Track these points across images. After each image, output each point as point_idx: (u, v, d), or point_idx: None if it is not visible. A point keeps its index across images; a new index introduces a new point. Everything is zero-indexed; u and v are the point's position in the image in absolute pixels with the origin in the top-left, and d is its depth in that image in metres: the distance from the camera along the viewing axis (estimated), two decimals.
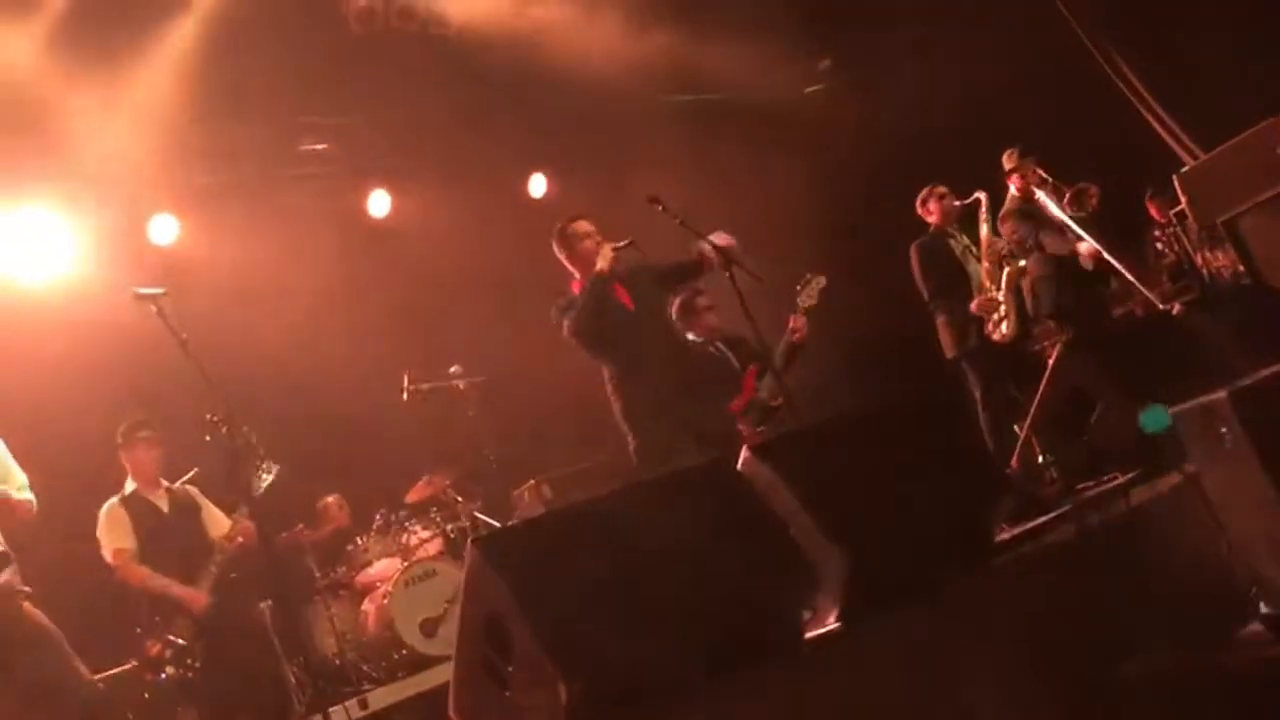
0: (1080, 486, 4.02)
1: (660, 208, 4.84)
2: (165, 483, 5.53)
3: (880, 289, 6.83)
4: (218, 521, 5.50)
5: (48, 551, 4.47)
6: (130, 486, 5.45)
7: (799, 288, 5.60)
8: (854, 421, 3.69)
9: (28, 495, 4.18)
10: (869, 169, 7.80)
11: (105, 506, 5.37)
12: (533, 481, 7.21)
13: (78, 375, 5.87)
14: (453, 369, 6.27)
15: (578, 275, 5.32)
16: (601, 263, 5.12)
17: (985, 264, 6.09)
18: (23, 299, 6.21)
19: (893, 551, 3.31)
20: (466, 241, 7.48)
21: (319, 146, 7.87)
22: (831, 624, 3.16)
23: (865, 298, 6.92)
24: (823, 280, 5.56)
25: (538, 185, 8.38)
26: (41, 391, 5.60)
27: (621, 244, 5.15)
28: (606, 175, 7.48)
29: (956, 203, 6.23)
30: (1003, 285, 5.94)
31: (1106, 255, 5.45)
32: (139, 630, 5.19)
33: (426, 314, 7.34)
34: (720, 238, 5.00)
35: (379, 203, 7.90)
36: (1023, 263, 6.00)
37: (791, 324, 5.57)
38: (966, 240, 6.25)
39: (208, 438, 4.13)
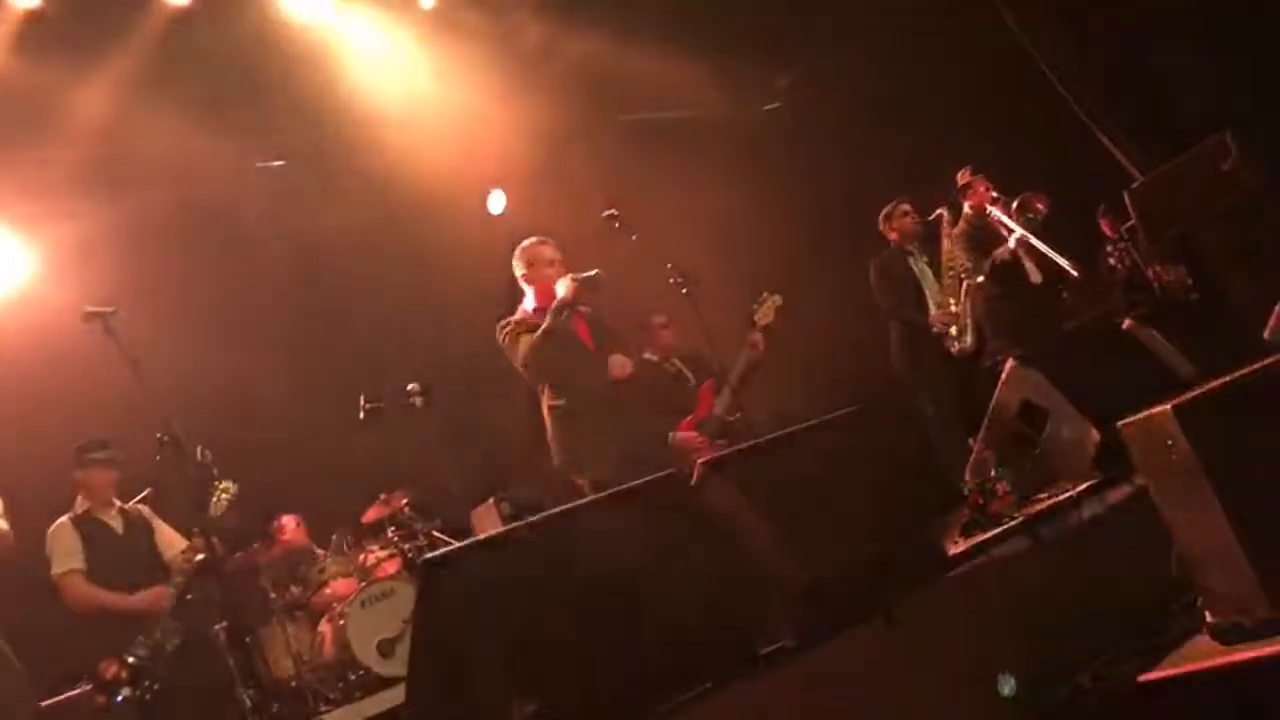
0: (1032, 499, 4.06)
1: (617, 224, 4.84)
2: (118, 503, 5.44)
3: (838, 305, 6.90)
4: (171, 542, 5.42)
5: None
6: (81, 506, 5.34)
7: (755, 306, 5.62)
8: (806, 435, 3.70)
9: (3, 524, 4.08)
10: (828, 185, 7.87)
11: (54, 526, 5.26)
12: (491, 500, 7.17)
13: (24, 394, 5.79)
14: (410, 386, 6.22)
15: (531, 295, 5.22)
16: (565, 292, 5.00)
17: (945, 279, 6.18)
18: None
19: (846, 566, 3.32)
20: (418, 258, 7.46)
21: (275, 163, 7.81)
22: (785, 641, 3.16)
23: (823, 313, 6.98)
24: (779, 299, 5.59)
25: (496, 202, 8.36)
26: None
27: (587, 274, 5.02)
28: (564, 193, 7.47)
29: (918, 220, 6.34)
30: (962, 299, 6.04)
31: (1047, 252, 5.55)
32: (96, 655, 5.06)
33: (380, 331, 7.29)
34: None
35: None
36: (980, 279, 6.10)
37: (749, 341, 5.59)
38: (926, 258, 6.34)
39: (157, 458, 4.06)
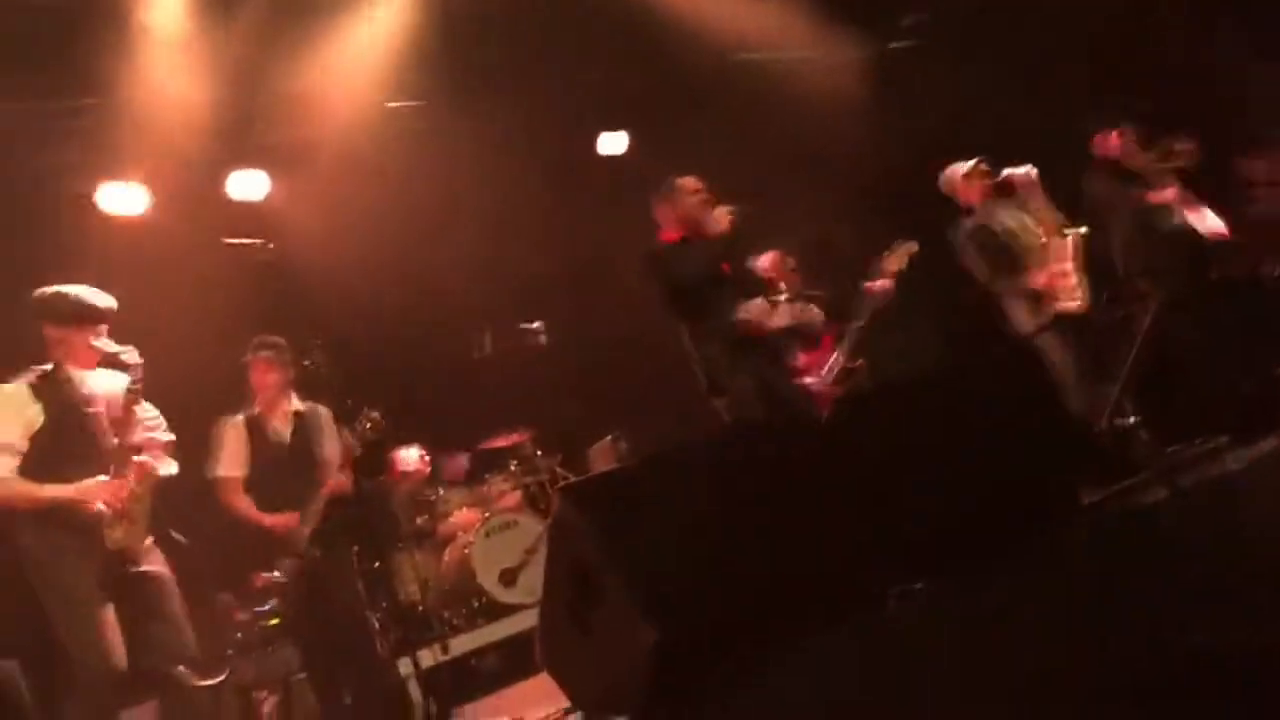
0: (1172, 450, 3.94)
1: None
2: (295, 404, 5.30)
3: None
4: (328, 453, 5.43)
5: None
6: (254, 406, 5.28)
7: (888, 252, 5.55)
8: (940, 379, 3.67)
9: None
10: (958, 129, 7.61)
11: (227, 424, 5.23)
12: (610, 437, 7.28)
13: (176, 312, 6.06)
14: (534, 324, 6.32)
15: (676, 229, 5.30)
16: (720, 225, 5.10)
17: (1044, 237, 5.92)
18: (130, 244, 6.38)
19: (978, 512, 3.29)
20: (545, 199, 7.52)
21: (410, 103, 7.93)
22: (915, 583, 3.15)
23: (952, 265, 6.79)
24: (913, 246, 5.50)
25: (611, 143, 8.33)
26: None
27: (735, 209, 5.12)
28: (679, 135, 7.42)
29: (999, 180, 6.05)
30: (1069, 255, 5.79)
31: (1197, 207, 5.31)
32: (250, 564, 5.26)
33: (509, 269, 7.38)
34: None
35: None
36: (1084, 229, 5.86)
37: (877, 286, 5.52)
38: (1015, 213, 6.07)
39: (307, 363, 4.24)
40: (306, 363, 4.26)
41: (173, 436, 4.21)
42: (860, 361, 5.54)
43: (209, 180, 6.81)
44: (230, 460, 5.20)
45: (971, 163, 6.03)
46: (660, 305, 5.33)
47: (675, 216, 5.37)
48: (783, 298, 5.66)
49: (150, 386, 4.31)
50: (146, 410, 4.20)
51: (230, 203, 6.82)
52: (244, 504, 5.19)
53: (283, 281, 4.34)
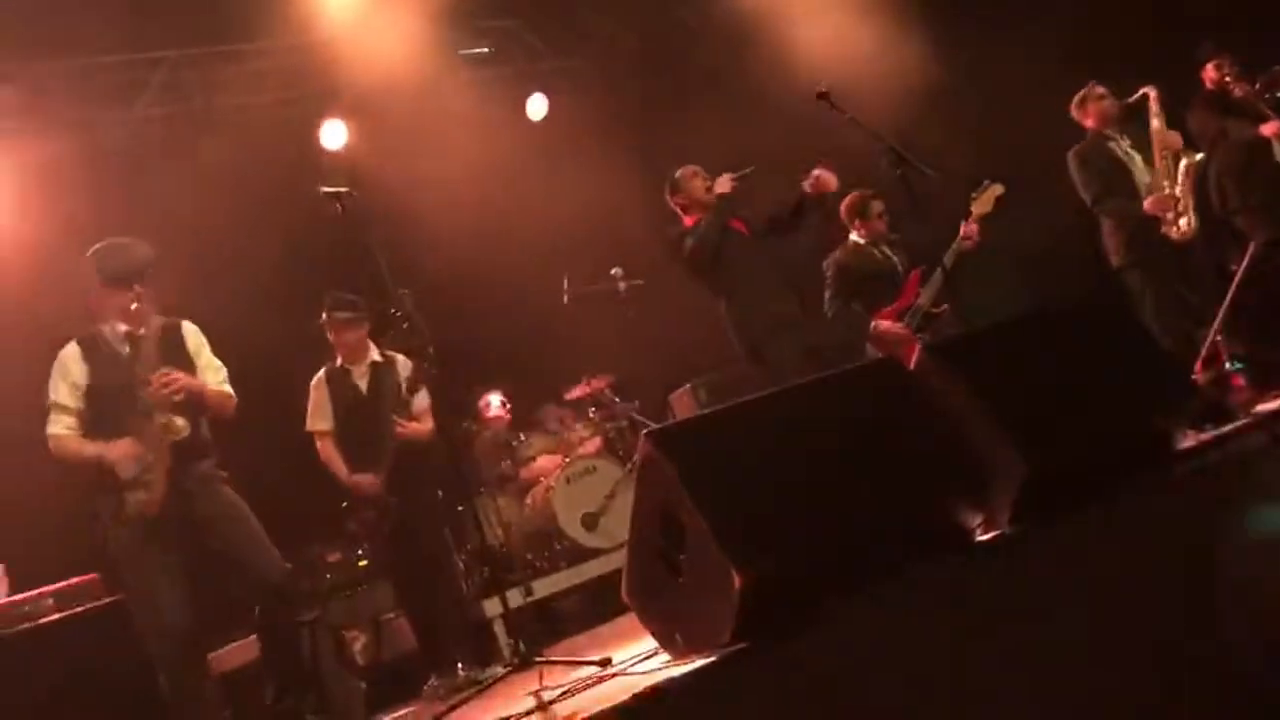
0: (1273, 393, 3.83)
1: (829, 102, 4.75)
2: (374, 355, 5.51)
3: (1053, 196, 6.54)
4: (419, 399, 5.57)
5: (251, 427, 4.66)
6: (336, 360, 5.52)
7: (974, 194, 5.46)
8: (1029, 323, 3.59)
9: (228, 388, 4.34)
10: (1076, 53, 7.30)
11: (314, 380, 5.49)
12: (688, 385, 7.30)
13: (262, 270, 6.19)
14: (613, 271, 6.33)
15: (691, 215, 5.61)
16: (722, 187, 5.42)
17: (1159, 160, 5.79)
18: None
19: (1069, 456, 3.24)
20: (625, 145, 7.49)
21: (482, 50, 7.96)
22: (1002, 527, 3.13)
23: (1039, 205, 6.62)
24: (1000, 188, 5.40)
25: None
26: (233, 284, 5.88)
27: (741, 173, 5.39)
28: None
29: (1116, 103, 5.92)
30: (1179, 179, 5.65)
31: None
32: (344, 505, 5.42)
33: (588, 216, 7.39)
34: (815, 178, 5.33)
35: (537, 105, 7.95)
36: (1199, 155, 5.69)
37: (963, 230, 5.44)
38: (1129, 142, 5.94)
39: (390, 333, 4.30)
40: (395, 312, 4.31)
41: (180, 397, 4.17)
42: (944, 307, 5.47)
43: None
44: (317, 414, 5.46)
45: (1088, 87, 5.98)
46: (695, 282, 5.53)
47: (685, 204, 5.67)
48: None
49: (244, 341, 4.43)
50: (166, 369, 4.18)
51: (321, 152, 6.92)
52: (333, 458, 5.39)
53: (368, 231, 4.37)
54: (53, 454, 4.12)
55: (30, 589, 5.09)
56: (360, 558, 5.56)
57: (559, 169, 7.67)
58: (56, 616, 2.57)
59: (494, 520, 6.69)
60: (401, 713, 5.19)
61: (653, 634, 3.15)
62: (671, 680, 2.67)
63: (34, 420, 5.35)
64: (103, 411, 4.08)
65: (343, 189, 4.26)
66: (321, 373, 5.53)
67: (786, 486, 2.96)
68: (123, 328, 4.21)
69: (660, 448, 2.93)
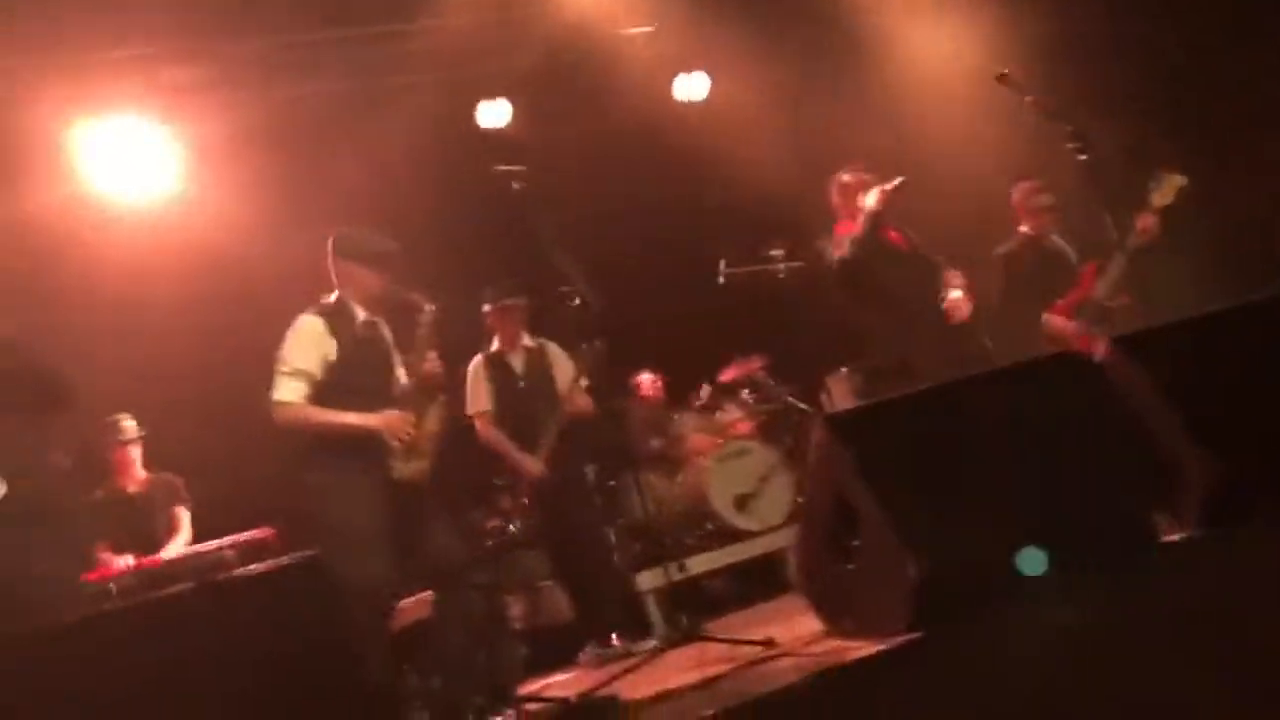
0: None
1: (1009, 85, 4.63)
2: (526, 341, 5.80)
3: (1244, 185, 6.23)
4: (564, 381, 5.77)
5: None
6: (494, 345, 5.79)
7: (1152, 185, 5.24)
8: (1219, 319, 3.45)
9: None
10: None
11: (472, 365, 5.76)
12: (844, 370, 7.23)
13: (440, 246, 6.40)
14: (774, 252, 6.31)
15: (845, 218, 5.45)
16: (873, 201, 5.22)
17: None
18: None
19: (1260, 458, 3.11)
20: (787, 124, 7.43)
21: (643, 29, 7.97)
22: (1190, 531, 3.03)
23: (1222, 198, 6.32)
24: (1182, 180, 5.16)
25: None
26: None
27: (892, 184, 5.19)
28: None
29: None
30: None
31: None
32: (497, 483, 5.65)
33: (746, 196, 7.38)
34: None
35: (696, 85, 7.93)
36: None
37: (1141, 223, 5.23)
38: None
39: (562, 304, 4.40)
40: (564, 289, 4.40)
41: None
42: (1122, 300, 5.29)
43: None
44: (478, 397, 5.71)
45: None
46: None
47: (842, 206, 5.51)
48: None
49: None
50: (434, 357, 4.35)
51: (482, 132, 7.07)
52: (498, 437, 5.61)
53: (538, 209, 4.46)
54: (276, 416, 4.19)
55: (209, 539, 5.48)
56: (513, 528, 5.72)
57: (719, 148, 7.67)
58: (259, 567, 2.71)
59: (646, 496, 6.77)
60: (559, 678, 5.33)
61: (821, 618, 3.17)
62: (845, 664, 2.69)
63: (221, 378, 5.71)
64: (342, 384, 4.19)
65: (517, 167, 4.35)
66: (479, 358, 5.78)
67: (965, 477, 2.94)
68: (361, 310, 4.34)
69: (836, 433, 2.95)
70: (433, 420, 4.25)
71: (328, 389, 4.19)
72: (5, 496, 3.34)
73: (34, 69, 5.59)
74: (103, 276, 6.11)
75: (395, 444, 4.13)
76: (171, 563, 5.35)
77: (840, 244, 5.38)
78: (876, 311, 5.44)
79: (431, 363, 4.29)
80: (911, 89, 7.13)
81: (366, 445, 4.13)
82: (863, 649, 2.81)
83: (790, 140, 7.33)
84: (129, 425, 5.78)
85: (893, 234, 5.41)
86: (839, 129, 7.11)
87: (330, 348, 4.22)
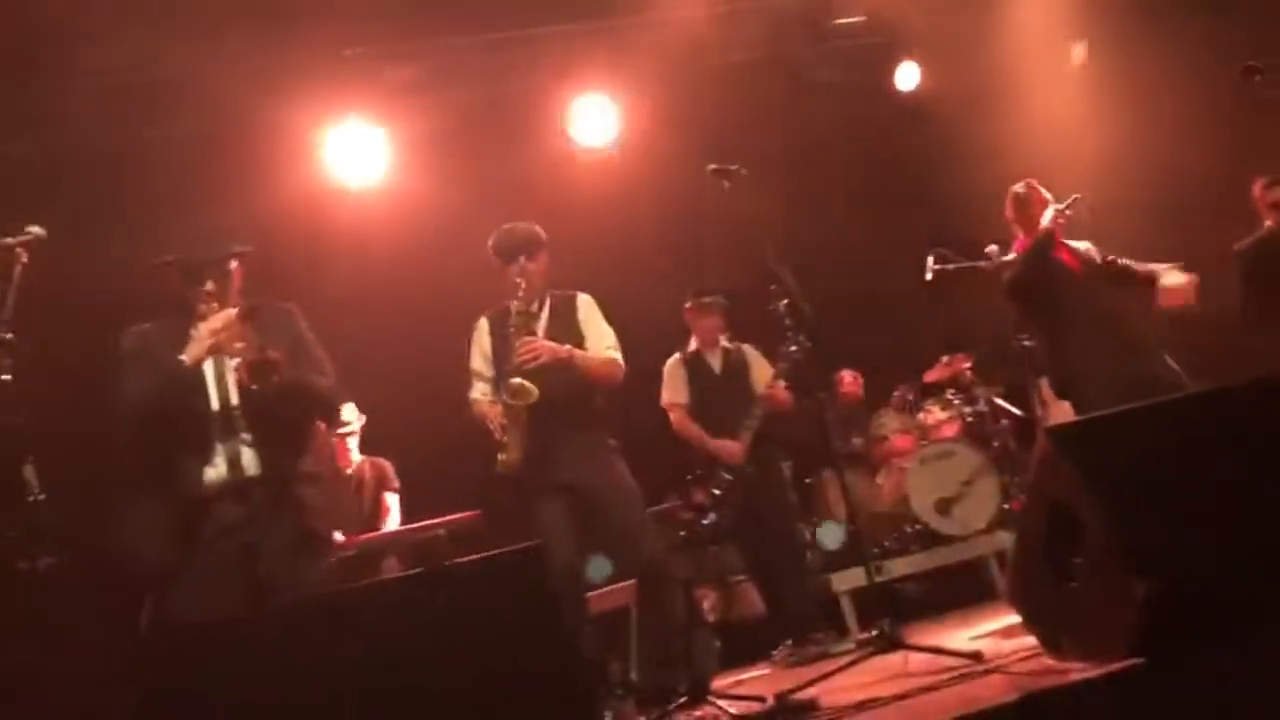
0: None
1: (1258, 78, 4.32)
2: (724, 343, 5.93)
3: None
4: (762, 381, 5.82)
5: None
6: (692, 345, 5.93)
7: None
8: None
9: (615, 355, 4.46)
10: None
11: (669, 362, 5.89)
12: None
13: (641, 243, 6.49)
14: (989, 248, 6.09)
15: (1021, 235, 5.34)
16: (1046, 221, 5.11)
17: None
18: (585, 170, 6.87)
19: None
20: (1000, 118, 7.17)
21: (853, 19, 7.83)
22: None
23: None
24: None
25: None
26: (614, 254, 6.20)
27: (1066, 203, 5.07)
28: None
29: None
30: None
31: None
32: (689, 478, 5.71)
33: (955, 191, 7.17)
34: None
35: (906, 75, 7.74)
36: None
37: None
38: None
39: (771, 307, 4.37)
40: (773, 286, 4.37)
41: (539, 363, 4.24)
42: None
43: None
44: (674, 390, 5.83)
45: None
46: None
47: (1021, 223, 5.38)
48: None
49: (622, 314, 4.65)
50: (529, 340, 4.28)
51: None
52: (693, 428, 5.69)
53: (742, 207, 4.42)
54: (470, 413, 4.46)
55: (419, 520, 5.73)
56: (707, 523, 5.76)
57: (928, 141, 7.48)
58: (476, 557, 2.80)
59: (839, 496, 6.69)
60: (753, 674, 5.34)
61: (1036, 636, 3.05)
62: (1062, 686, 2.59)
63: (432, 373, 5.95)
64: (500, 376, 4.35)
65: (731, 166, 4.34)
66: (676, 356, 5.92)
67: (1195, 496, 2.77)
68: (515, 304, 4.42)
69: (1061, 446, 2.83)
70: (513, 413, 4.23)
71: (499, 385, 4.34)
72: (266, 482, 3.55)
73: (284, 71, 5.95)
74: (323, 264, 6.51)
75: (496, 436, 4.23)
76: (385, 538, 5.62)
77: (1013, 263, 5.30)
78: (1045, 332, 5.37)
79: (527, 347, 4.24)
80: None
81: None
82: (1080, 671, 2.69)
83: (1004, 135, 7.07)
84: (350, 416, 6.08)
85: (1066, 254, 5.25)
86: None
87: (487, 345, 4.45)
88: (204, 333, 3.38)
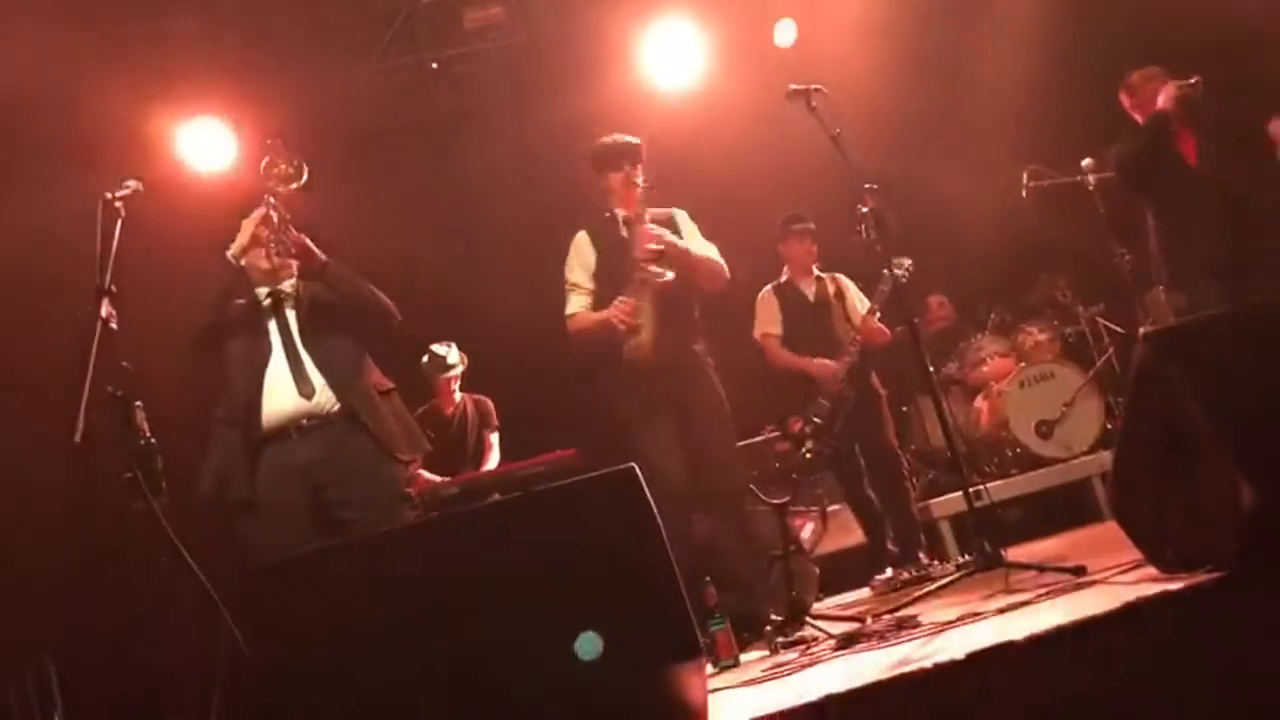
0: None
1: None
2: (816, 272, 5.88)
3: None
4: (856, 310, 5.79)
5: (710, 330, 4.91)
6: (785, 275, 5.89)
7: None
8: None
9: (720, 260, 4.53)
10: None
11: (761, 292, 5.87)
12: (1160, 288, 6.69)
13: (728, 172, 6.42)
14: (1084, 162, 5.89)
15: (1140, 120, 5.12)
16: (1164, 101, 4.87)
17: None
18: (664, 106, 6.80)
19: None
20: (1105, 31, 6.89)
21: None
22: None
23: None
24: None
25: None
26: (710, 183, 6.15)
27: (1188, 82, 4.80)
28: None
29: None
30: None
31: None
32: (785, 422, 5.69)
33: (1052, 102, 6.92)
34: None
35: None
36: None
37: None
38: None
39: (858, 229, 4.30)
40: (861, 208, 4.29)
41: (662, 247, 4.36)
42: None
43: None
44: (767, 320, 5.81)
45: None
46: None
47: (1139, 107, 5.17)
48: None
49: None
50: (651, 228, 4.40)
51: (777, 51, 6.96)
52: (788, 355, 5.65)
53: (834, 127, 4.33)
54: (570, 331, 4.51)
55: (518, 460, 5.82)
56: (806, 451, 5.74)
57: (1010, 56, 7.22)
58: (572, 480, 2.81)
59: (938, 421, 6.59)
60: (852, 599, 5.34)
61: (1140, 548, 2.98)
62: (1166, 593, 2.53)
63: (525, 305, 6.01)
64: (610, 290, 4.42)
65: (812, 86, 4.26)
66: (768, 288, 5.89)
67: None
68: (621, 212, 4.52)
69: (1163, 352, 2.74)
70: (647, 295, 4.30)
71: (599, 297, 4.40)
72: (337, 410, 3.68)
73: None
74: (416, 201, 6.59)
75: (622, 329, 4.26)
76: (487, 476, 5.74)
77: (1125, 142, 5.10)
78: (1155, 220, 5.15)
79: (642, 248, 4.30)
80: None
81: (612, 337, 4.31)
82: (1186, 581, 2.62)
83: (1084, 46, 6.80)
84: (454, 359, 6.19)
85: (1183, 140, 5.00)
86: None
87: (591, 257, 4.48)
88: (245, 225, 3.63)
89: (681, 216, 4.58)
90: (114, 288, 3.19)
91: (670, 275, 4.32)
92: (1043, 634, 2.46)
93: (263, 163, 3.70)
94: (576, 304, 4.50)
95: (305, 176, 3.71)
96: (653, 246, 4.32)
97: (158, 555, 3.04)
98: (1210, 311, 4.00)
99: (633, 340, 4.30)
